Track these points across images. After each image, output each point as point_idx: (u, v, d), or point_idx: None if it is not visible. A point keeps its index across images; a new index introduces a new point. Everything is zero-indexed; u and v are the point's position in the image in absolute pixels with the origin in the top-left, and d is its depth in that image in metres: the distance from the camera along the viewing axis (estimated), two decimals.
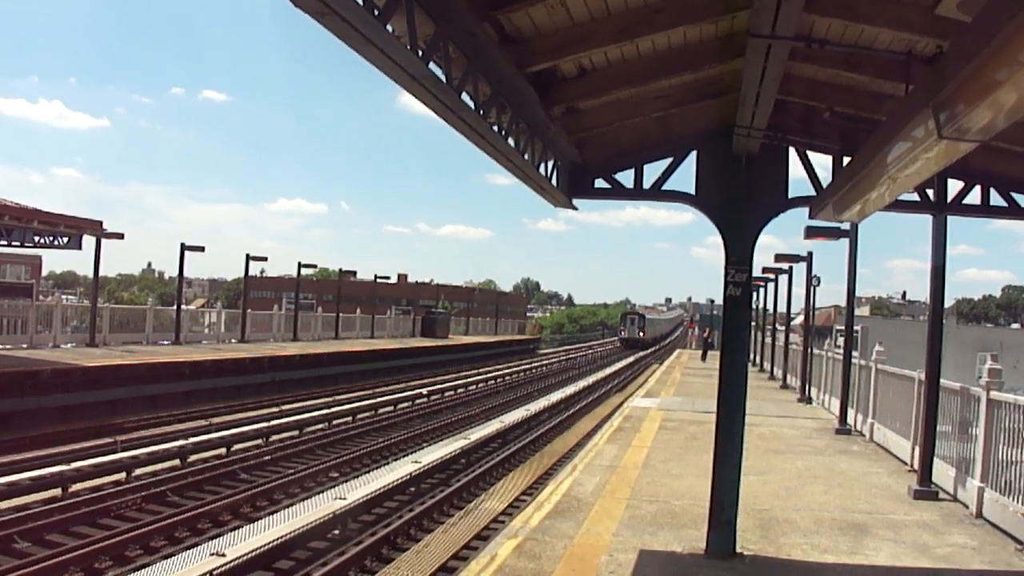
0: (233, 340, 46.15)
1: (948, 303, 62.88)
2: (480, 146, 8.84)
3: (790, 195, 11.30)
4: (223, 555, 12.63)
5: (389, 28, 5.87)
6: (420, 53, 6.50)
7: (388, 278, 79.74)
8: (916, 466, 15.89)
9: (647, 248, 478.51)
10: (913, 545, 11.91)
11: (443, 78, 7.14)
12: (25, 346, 33.29)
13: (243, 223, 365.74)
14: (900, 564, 11.06)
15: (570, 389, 41.76)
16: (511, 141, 9.41)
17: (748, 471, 12.62)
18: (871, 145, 7.60)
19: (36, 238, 29.45)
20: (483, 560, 10.52)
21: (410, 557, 14.11)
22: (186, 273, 45.26)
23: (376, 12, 5.65)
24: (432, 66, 6.83)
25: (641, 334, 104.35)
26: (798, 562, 10.93)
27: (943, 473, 15.09)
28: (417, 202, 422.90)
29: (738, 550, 10.96)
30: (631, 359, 75.62)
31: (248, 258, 49.86)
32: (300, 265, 55.77)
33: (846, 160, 10.60)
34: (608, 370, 57.46)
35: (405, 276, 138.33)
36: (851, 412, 23.33)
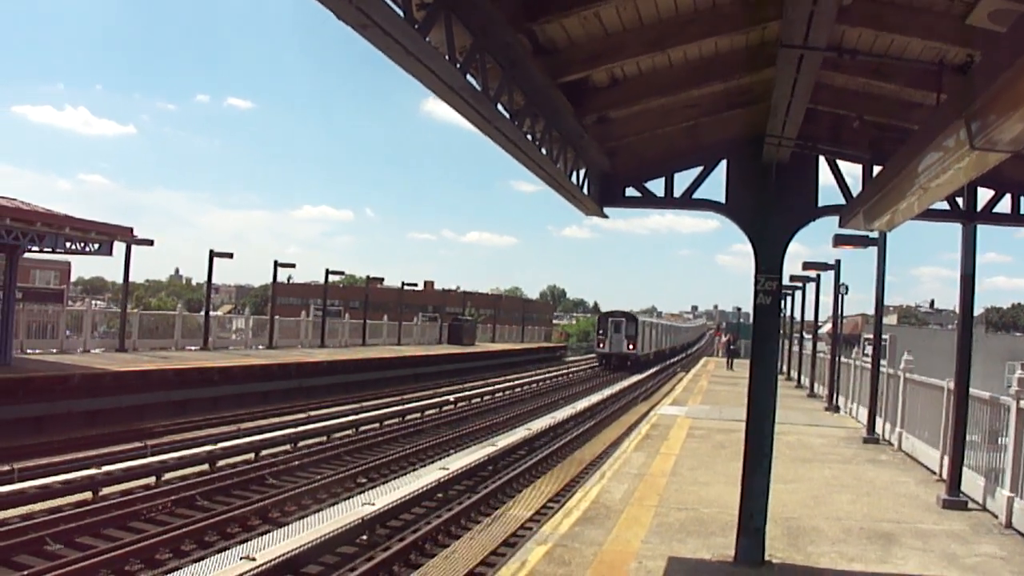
0: (260, 346, 46.53)
1: (977, 312, 62.49)
2: (515, 155, 8.92)
3: (820, 203, 11.33)
4: (253, 559, 12.74)
5: (428, 40, 5.97)
6: (458, 65, 6.60)
7: (415, 285, 79.98)
8: (945, 475, 15.83)
9: (672, 255, 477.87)
10: (942, 554, 11.88)
11: (478, 88, 7.23)
12: (55, 351, 33.65)
13: (268, 229, 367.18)
14: (928, 573, 11.05)
15: (595, 397, 41.74)
16: (544, 150, 9.49)
17: (776, 479, 12.60)
18: (902, 154, 7.63)
19: (68, 244, 29.61)
20: (513, 566, 10.58)
21: (438, 563, 14.13)
22: (213, 279, 45.66)
23: (416, 25, 5.74)
24: (469, 78, 6.92)
25: (630, 347, 71.12)
26: (826, 570, 10.93)
27: (972, 483, 15.02)
28: (442, 209, 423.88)
29: (766, 558, 10.98)
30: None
31: (276, 264, 50.18)
32: (327, 272, 56.05)
33: (876, 169, 10.61)
34: (633, 378, 57.14)
35: (431, 283, 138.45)
36: (879, 421, 23.24)
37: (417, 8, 5.81)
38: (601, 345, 73.12)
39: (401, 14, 5.50)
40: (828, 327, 41.02)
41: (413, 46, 5.68)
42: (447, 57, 6.32)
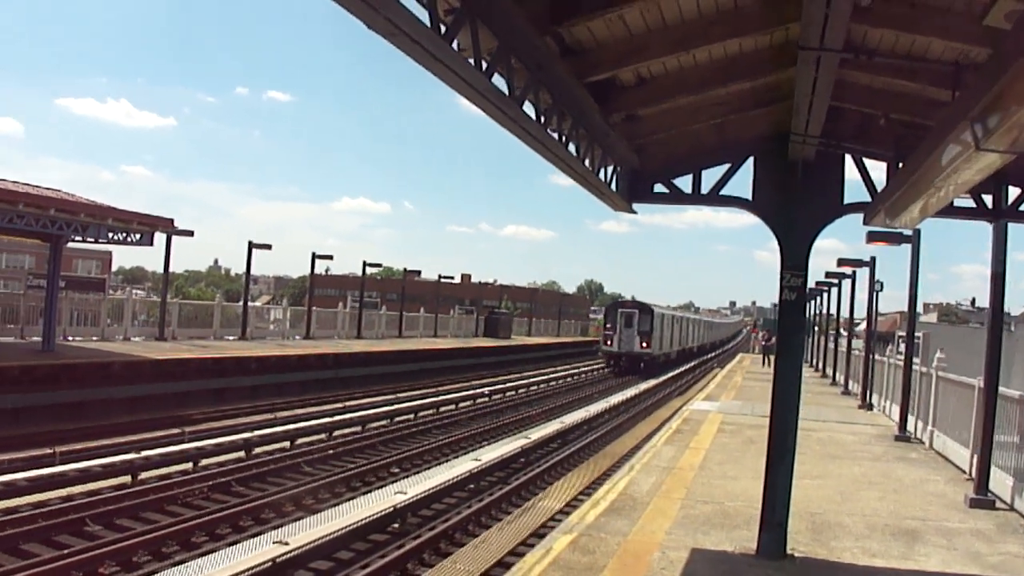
0: (297, 337, 47.00)
1: (1017, 311, 61.81)
2: (542, 154, 9.15)
3: (847, 200, 11.43)
4: (286, 543, 13.00)
5: (454, 44, 6.18)
6: (484, 67, 6.81)
7: (452, 278, 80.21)
8: (973, 474, 15.86)
9: (710, 250, 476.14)
10: (965, 552, 11.93)
11: (505, 90, 7.44)
12: (95, 338, 34.22)
13: (307, 221, 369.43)
14: (950, 570, 11.11)
15: (630, 392, 41.77)
16: (572, 148, 9.68)
17: (804, 475, 12.78)
18: (918, 154, 7.74)
19: (110, 234, 30.13)
20: (538, 553, 10.81)
21: (467, 552, 14.30)
22: (252, 270, 46.10)
23: (442, 30, 5.96)
24: (496, 78, 7.14)
25: (644, 345, 59.67)
26: (847, 565, 11.03)
27: (1001, 482, 15.03)
28: (479, 202, 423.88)
29: (789, 551, 11.10)
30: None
31: (314, 256, 50.65)
32: (365, 264, 56.36)
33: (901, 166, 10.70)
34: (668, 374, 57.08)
35: (468, 276, 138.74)
36: (911, 419, 23.18)
37: (444, 14, 6.03)
38: (608, 343, 61.17)
39: (427, 22, 5.72)
40: (864, 324, 40.86)
41: (439, 52, 5.93)
42: (472, 60, 6.54)
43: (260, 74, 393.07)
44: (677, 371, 60.78)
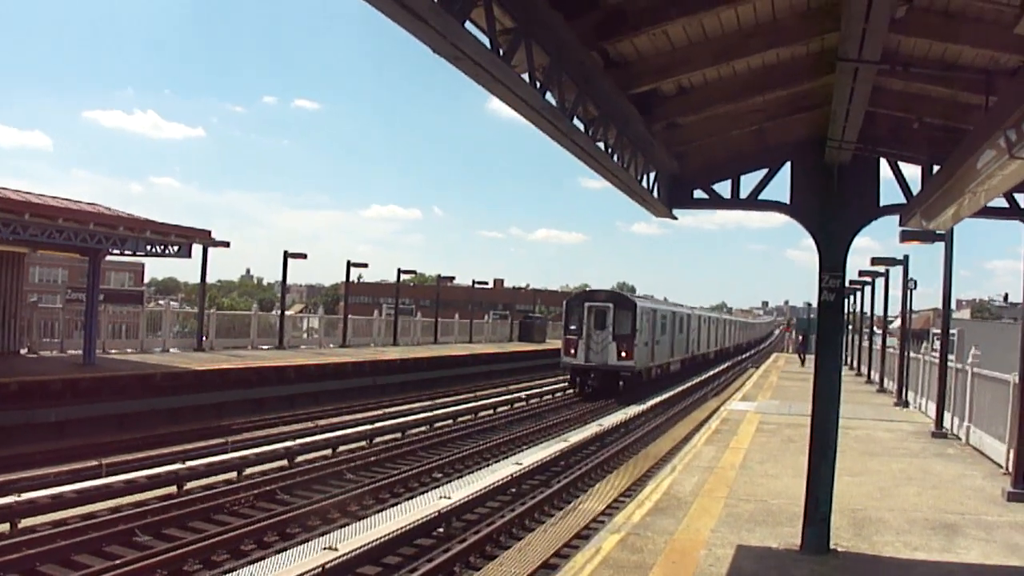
0: (332, 345, 47.30)
1: None
2: (589, 164, 9.45)
3: (882, 203, 11.63)
4: (335, 549, 13.24)
5: (511, 65, 6.48)
6: (538, 85, 7.10)
7: (485, 283, 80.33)
8: (1010, 469, 15.98)
9: (742, 250, 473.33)
10: (1004, 545, 12.11)
11: (553, 102, 7.71)
12: (130, 351, 34.67)
13: (337, 229, 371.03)
14: (990, 562, 11.28)
15: (665, 394, 41.67)
16: (615, 157, 9.95)
17: (843, 472, 12.94)
18: (953, 159, 7.94)
19: (148, 247, 30.51)
20: (588, 552, 11.05)
21: (513, 555, 14.46)
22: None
23: (500, 53, 6.25)
24: (547, 96, 7.43)
25: (623, 355, 41.98)
26: (889, 558, 11.24)
27: None
28: (509, 207, 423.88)
29: (832, 546, 11.32)
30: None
31: (349, 264, 50.86)
32: (399, 271, 56.63)
33: (935, 169, 10.86)
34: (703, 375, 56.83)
35: (501, 281, 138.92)
36: (947, 416, 23.23)
37: (500, 34, 6.32)
38: (572, 351, 42.59)
39: (488, 44, 6.00)
40: (899, 322, 40.81)
41: (500, 73, 6.23)
42: (527, 76, 6.83)
43: (287, 83, 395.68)
44: (666, 395, 41.81)
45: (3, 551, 13.49)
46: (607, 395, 40.22)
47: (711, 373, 58.10)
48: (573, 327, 43.10)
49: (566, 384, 44.35)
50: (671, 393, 42.35)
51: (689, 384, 48.50)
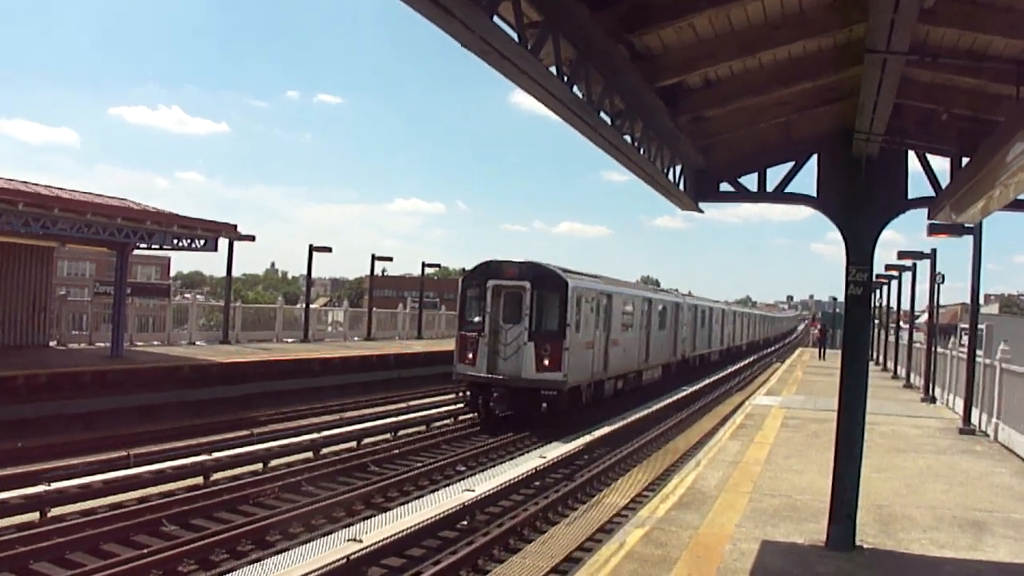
0: (357, 338, 47.46)
1: None
2: (616, 157, 9.44)
3: (910, 195, 11.54)
4: (359, 541, 13.30)
5: (539, 58, 6.46)
6: (565, 79, 7.09)
7: None
8: None
9: (766, 244, 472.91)
10: None
11: (580, 95, 7.69)
12: (157, 343, 34.95)
13: (361, 223, 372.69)
14: (1019, 561, 11.20)
15: (688, 389, 41.48)
16: (641, 150, 9.93)
17: (869, 468, 12.86)
18: (984, 151, 7.86)
19: (175, 241, 30.66)
20: (612, 546, 11.05)
21: (535, 548, 14.49)
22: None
23: (528, 46, 6.24)
24: (574, 89, 7.41)
25: (546, 363, 27.00)
26: (916, 556, 11.16)
27: None
28: (532, 200, 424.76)
29: (857, 543, 11.25)
30: None
31: (373, 258, 51.06)
32: (424, 265, 56.67)
33: (964, 161, 10.77)
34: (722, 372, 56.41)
35: None
36: (975, 412, 23.08)
37: (527, 27, 6.30)
38: (469, 357, 28.10)
39: (516, 37, 5.99)
40: (925, 317, 40.54)
41: (528, 67, 6.22)
42: (555, 70, 6.82)
43: (310, 77, 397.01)
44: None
45: (33, 539, 13.64)
46: (522, 423, 26.79)
47: (712, 379, 47.53)
48: (472, 319, 28.76)
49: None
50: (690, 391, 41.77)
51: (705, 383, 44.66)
